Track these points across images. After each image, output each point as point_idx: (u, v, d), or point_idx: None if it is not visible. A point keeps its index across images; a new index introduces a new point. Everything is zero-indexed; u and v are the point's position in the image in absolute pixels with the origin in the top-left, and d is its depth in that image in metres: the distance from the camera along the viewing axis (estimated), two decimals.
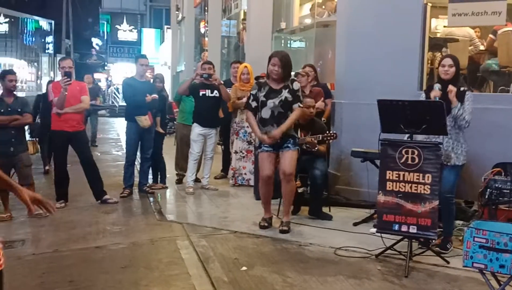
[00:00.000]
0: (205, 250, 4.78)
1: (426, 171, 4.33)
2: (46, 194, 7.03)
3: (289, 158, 5.24)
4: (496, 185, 4.92)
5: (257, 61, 8.22)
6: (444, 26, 7.64)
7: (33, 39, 30.52)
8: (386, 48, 6.39)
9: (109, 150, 12.88)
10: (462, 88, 4.68)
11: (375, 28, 6.51)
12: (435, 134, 4.57)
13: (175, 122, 9.44)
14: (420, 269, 4.33)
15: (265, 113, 5.26)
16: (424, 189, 4.34)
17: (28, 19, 29.41)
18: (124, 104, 8.07)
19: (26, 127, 6.80)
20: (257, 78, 7.23)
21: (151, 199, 6.98)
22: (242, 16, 12.78)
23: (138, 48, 36.66)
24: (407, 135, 4.53)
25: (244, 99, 7.09)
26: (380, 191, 4.51)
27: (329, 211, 6.01)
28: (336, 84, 7.32)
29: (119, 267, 4.41)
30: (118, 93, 27.90)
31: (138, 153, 7.38)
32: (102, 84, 31.86)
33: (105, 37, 42.03)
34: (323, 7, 9.45)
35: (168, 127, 9.90)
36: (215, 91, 7.08)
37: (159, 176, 7.75)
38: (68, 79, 6.24)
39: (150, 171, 7.60)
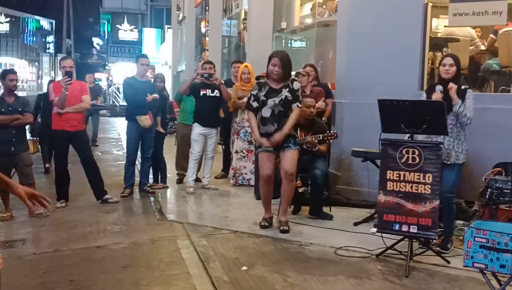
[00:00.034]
0: (206, 249, 4.78)
1: (426, 171, 4.33)
2: (47, 193, 6.95)
3: (290, 157, 5.25)
4: (497, 185, 4.91)
5: (257, 60, 8.22)
6: (445, 26, 7.63)
7: (34, 39, 30.54)
8: (387, 48, 6.39)
9: (110, 149, 12.88)
10: (463, 87, 4.68)
11: (376, 28, 6.51)
12: (436, 134, 4.56)
13: (175, 122, 9.44)
14: (420, 269, 4.33)
15: (266, 112, 5.26)
16: (425, 189, 4.34)
17: (29, 19, 29.44)
18: (125, 103, 8.07)
19: (27, 127, 6.79)
20: (257, 77, 7.24)
21: (152, 198, 6.98)
22: (243, 16, 12.78)
23: (139, 48, 36.67)
24: (407, 135, 4.53)
25: (245, 99, 7.09)
26: (380, 191, 4.51)
27: (330, 211, 6.01)
28: (336, 84, 7.31)
29: (119, 267, 4.41)
30: (119, 92, 27.90)
31: (139, 153, 7.39)
32: (103, 84, 31.87)
33: (106, 37, 42.04)
34: (324, 6, 9.45)
35: (169, 126, 9.88)
36: (216, 91, 7.08)
37: (159, 176, 7.75)
38: (69, 78, 6.24)
39: (151, 171, 7.60)
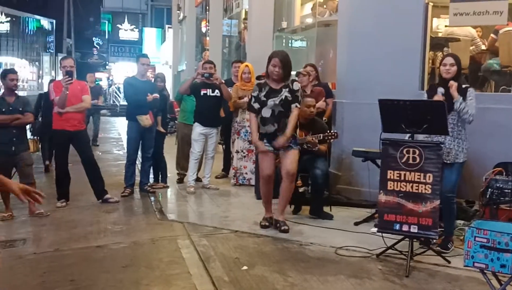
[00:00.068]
0: (206, 249, 4.78)
1: (427, 171, 4.33)
2: (48, 193, 7.02)
3: (291, 157, 5.25)
4: (497, 185, 4.91)
5: (258, 60, 8.21)
6: (446, 26, 7.64)
7: (35, 38, 30.53)
8: (387, 48, 6.38)
9: (110, 149, 12.89)
10: (464, 86, 4.68)
11: (377, 27, 6.51)
12: (437, 134, 4.56)
13: (176, 122, 9.45)
14: (421, 268, 4.33)
15: (266, 112, 5.27)
16: (425, 189, 4.33)
17: (29, 18, 29.44)
18: (125, 103, 8.08)
19: (28, 126, 6.80)
20: (258, 77, 7.24)
21: (152, 198, 6.98)
22: (243, 16, 12.78)
23: (139, 48, 36.69)
24: (408, 135, 4.53)
25: (245, 99, 7.10)
26: (381, 191, 4.51)
27: (330, 210, 6.01)
28: (337, 83, 7.31)
29: (120, 266, 4.41)
30: (119, 92, 27.92)
31: (139, 153, 7.39)
32: (103, 84, 31.88)
33: (107, 36, 42.04)
34: (325, 6, 9.45)
35: (169, 126, 9.89)
36: (216, 91, 7.08)
37: (160, 176, 7.75)
38: (70, 78, 6.24)
39: (151, 171, 7.60)
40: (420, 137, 4.59)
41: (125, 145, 8.42)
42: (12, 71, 6.45)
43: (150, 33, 36.10)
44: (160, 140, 7.58)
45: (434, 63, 7.15)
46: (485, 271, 3.38)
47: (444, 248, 4.66)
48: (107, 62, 40.35)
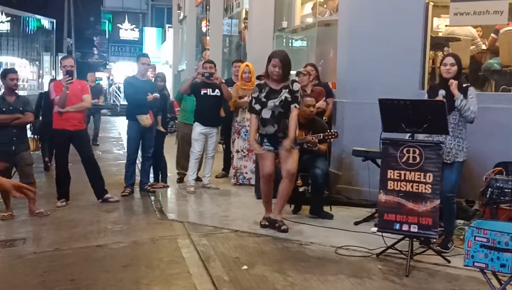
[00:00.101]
0: (206, 249, 4.78)
1: (427, 170, 4.33)
2: (48, 193, 7.06)
3: (291, 157, 5.25)
4: (498, 185, 4.92)
5: (258, 60, 8.21)
6: (446, 25, 7.64)
7: (35, 38, 30.52)
8: (387, 47, 6.38)
9: (111, 149, 12.89)
10: (464, 85, 4.68)
11: (377, 27, 6.51)
12: (437, 133, 4.56)
13: (176, 121, 9.45)
14: (421, 268, 4.33)
15: (266, 113, 5.27)
16: (425, 188, 4.33)
17: (29, 18, 29.43)
18: (126, 103, 8.08)
19: (28, 125, 6.80)
20: (258, 77, 7.23)
21: (152, 198, 6.98)
22: (243, 15, 12.78)
23: (140, 47, 36.69)
24: (408, 134, 4.53)
25: (246, 98, 7.10)
26: (381, 190, 4.51)
27: (330, 210, 6.01)
28: (337, 83, 7.31)
29: (120, 266, 4.41)
30: (120, 92, 27.93)
31: (140, 152, 7.39)
32: (104, 83, 31.89)
33: (107, 36, 42.04)
34: (325, 6, 9.45)
35: (169, 126, 9.88)
36: (217, 90, 7.08)
37: (160, 175, 7.75)
38: (70, 77, 6.24)
39: (151, 170, 7.60)
40: (420, 136, 4.59)
41: (125, 145, 8.42)
42: (13, 71, 6.46)
43: (151, 33, 36.10)
44: (160, 139, 7.58)
45: (435, 62, 7.16)
46: (485, 271, 3.38)
47: (444, 248, 4.66)
48: (107, 62, 40.36)
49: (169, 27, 28.17)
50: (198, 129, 7.10)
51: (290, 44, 11.00)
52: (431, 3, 6.39)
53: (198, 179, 7.45)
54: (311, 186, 5.97)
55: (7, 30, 26.44)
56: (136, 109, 6.98)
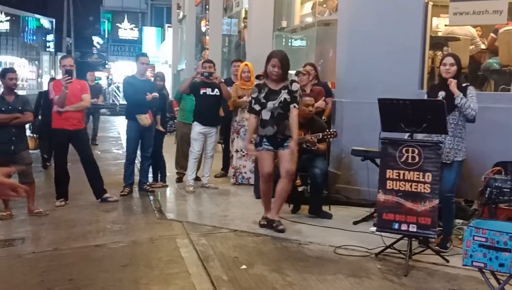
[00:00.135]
0: (205, 248, 4.77)
1: (426, 170, 4.33)
2: (47, 192, 7.05)
3: (290, 156, 5.25)
4: (496, 184, 4.91)
5: (258, 59, 8.20)
6: (445, 25, 7.63)
7: (34, 38, 30.54)
8: (387, 47, 6.38)
9: (110, 148, 12.89)
10: (463, 84, 4.68)
11: (376, 26, 6.51)
12: (436, 133, 4.56)
13: (175, 121, 9.45)
14: (419, 268, 4.33)
15: (265, 114, 5.27)
16: (424, 188, 4.34)
17: (29, 18, 29.44)
18: (125, 102, 8.08)
19: (27, 124, 6.79)
20: (257, 76, 7.23)
21: (151, 197, 6.98)
22: (243, 15, 12.78)
23: (139, 47, 36.70)
24: (407, 134, 4.53)
25: (245, 98, 7.10)
26: (380, 190, 4.51)
27: (329, 209, 6.01)
28: (337, 83, 7.31)
29: (119, 266, 4.41)
30: (119, 91, 27.93)
31: (139, 152, 7.39)
32: (103, 83, 31.90)
33: (106, 36, 42.04)
34: (324, 5, 9.44)
35: (169, 125, 9.88)
36: (216, 90, 7.08)
37: (159, 175, 7.75)
38: (69, 77, 6.23)
39: (150, 170, 7.60)
40: (420, 136, 4.59)
41: (124, 144, 8.42)
42: (12, 70, 6.45)
43: (150, 32, 36.10)
44: (159, 139, 7.58)
45: (434, 62, 7.15)
46: (483, 270, 3.39)
47: (443, 247, 4.66)
48: (106, 61, 40.35)
49: (168, 26, 28.18)
50: (197, 128, 7.10)
51: (289, 44, 11.01)
52: (431, 3, 6.38)
53: (197, 178, 7.44)
54: (310, 186, 5.97)
55: (6, 29, 26.45)
56: (135, 108, 6.98)
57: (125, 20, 40.63)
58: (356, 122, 6.57)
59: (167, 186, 7.62)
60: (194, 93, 7.16)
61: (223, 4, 13.84)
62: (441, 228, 4.75)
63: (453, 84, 4.58)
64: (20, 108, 6.11)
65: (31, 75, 28.79)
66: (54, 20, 33.30)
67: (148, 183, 7.38)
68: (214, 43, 13.82)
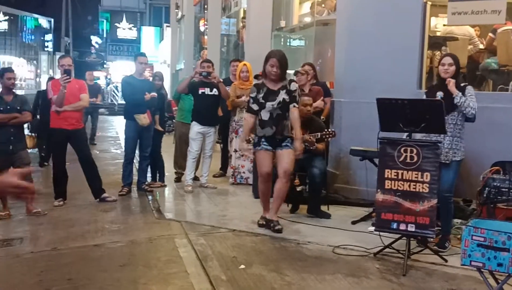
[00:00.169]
0: (204, 248, 4.77)
1: (424, 170, 4.33)
2: (45, 192, 7.03)
3: (288, 156, 5.25)
4: (495, 184, 4.92)
5: (256, 59, 8.19)
6: (444, 25, 7.64)
7: (32, 37, 30.51)
8: (385, 47, 6.39)
9: (108, 148, 12.88)
10: (462, 84, 4.69)
11: (375, 26, 6.51)
12: (434, 133, 4.57)
13: (174, 120, 9.45)
14: (418, 267, 4.33)
15: (264, 115, 5.26)
16: (423, 188, 4.34)
17: (27, 17, 29.41)
18: (123, 102, 8.08)
19: (26, 125, 6.79)
20: (256, 76, 7.23)
21: (150, 197, 6.97)
22: (241, 14, 12.78)
23: (138, 46, 36.66)
24: (406, 134, 4.53)
25: (243, 98, 7.10)
26: (378, 190, 4.51)
27: (328, 209, 6.01)
28: (335, 82, 7.31)
29: (117, 265, 4.40)
30: (117, 91, 27.91)
31: (137, 152, 7.38)
32: (101, 82, 31.88)
33: (105, 35, 42.00)
34: (323, 5, 9.45)
35: (167, 125, 9.90)
36: (214, 89, 7.07)
37: (157, 175, 7.75)
38: (68, 77, 6.23)
39: (149, 169, 7.59)
40: (418, 136, 4.60)
41: (122, 144, 8.41)
42: (10, 70, 6.45)
43: (148, 32, 36.08)
44: (158, 139, 7.58)
45: (433, 62, 7.16)
46: (482, 270, 3.39)
47: (441, 247, 4.67)
48: (105, 61, 40.31)
49: (167, 26, 28.15)
50: (195, 128, 7.09)
51: (288, 44, 11.01)
52: (429, 2, 6.39)
53: (195, 178, 7.44)
54: (309, 186, 5.97)
55: (5, 29, 26.43)
56: (134, 108, 6.97)
57: (124, 19, 40.58)
58: (355, 122, 6.57)
59: (165, 186, 7.62)
60: (192, 93, 7.15)
61: (222, 4, 13.84)
62: (440, 228, 4.76)
63: (451, 83, 4.59)
64: (18, 107, 6.11)
65: (30, 74, 28.76)
66: (52, 20, 33.26)
67: (146, 183, 7.38)
68: (213, 43, 13.82)
